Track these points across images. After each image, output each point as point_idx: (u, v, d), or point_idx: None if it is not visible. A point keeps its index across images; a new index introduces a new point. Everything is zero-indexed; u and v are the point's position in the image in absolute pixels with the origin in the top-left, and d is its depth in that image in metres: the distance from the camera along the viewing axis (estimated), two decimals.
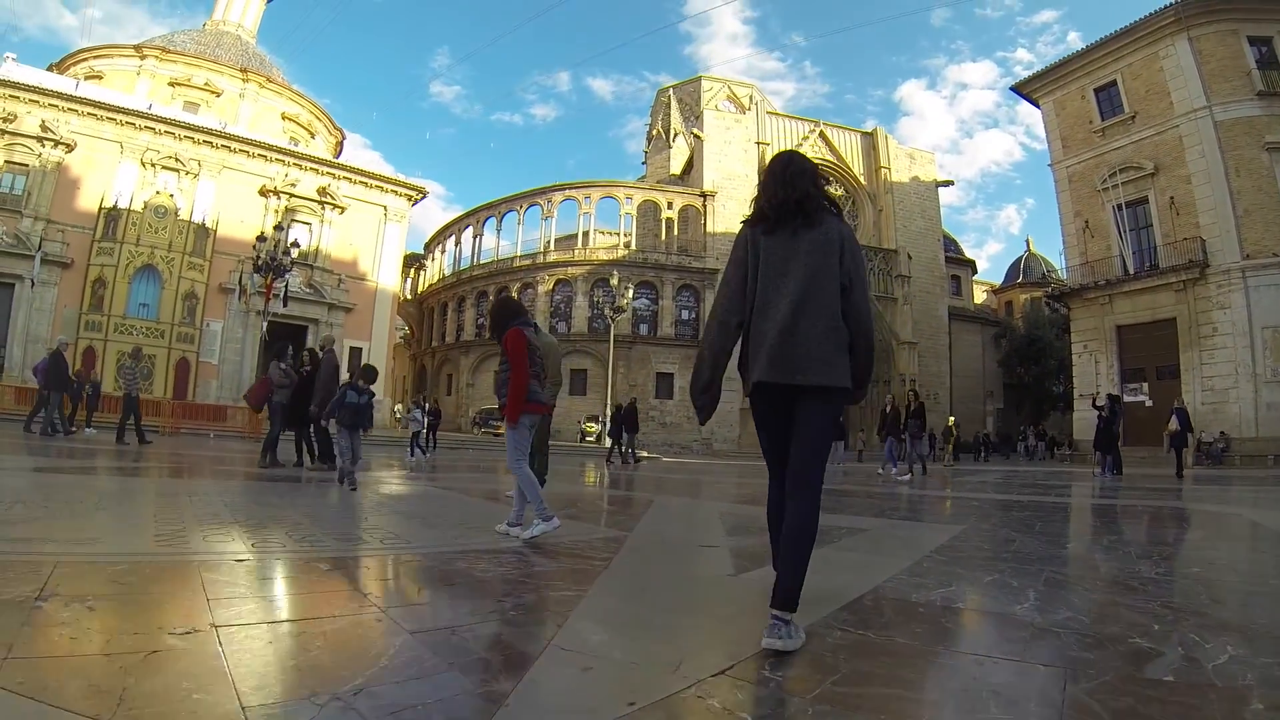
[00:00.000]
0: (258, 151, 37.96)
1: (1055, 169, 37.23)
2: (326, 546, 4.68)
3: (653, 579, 4.27)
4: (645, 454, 21.96)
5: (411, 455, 18.82)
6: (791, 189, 3.19)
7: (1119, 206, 33.15)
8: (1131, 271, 32.89)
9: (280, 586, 3.66)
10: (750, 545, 5.34)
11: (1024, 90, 39.43)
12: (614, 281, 34.13)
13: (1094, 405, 20.03)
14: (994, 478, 18.10)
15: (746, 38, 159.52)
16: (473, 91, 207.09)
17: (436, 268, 57.45)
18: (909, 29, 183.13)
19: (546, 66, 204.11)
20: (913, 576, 4.20)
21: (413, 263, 59.30)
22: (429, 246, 59.53)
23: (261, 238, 29.91)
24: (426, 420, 21.79)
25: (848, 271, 3.11)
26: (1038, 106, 39.23)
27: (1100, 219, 34.66)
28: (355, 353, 38.96)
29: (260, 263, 30.04)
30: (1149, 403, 31.71)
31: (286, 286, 32.24)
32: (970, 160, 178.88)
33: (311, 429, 12.27)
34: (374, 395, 8.86)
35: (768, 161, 3.64)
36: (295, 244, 31.97)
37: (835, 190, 51.19)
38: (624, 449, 23.23)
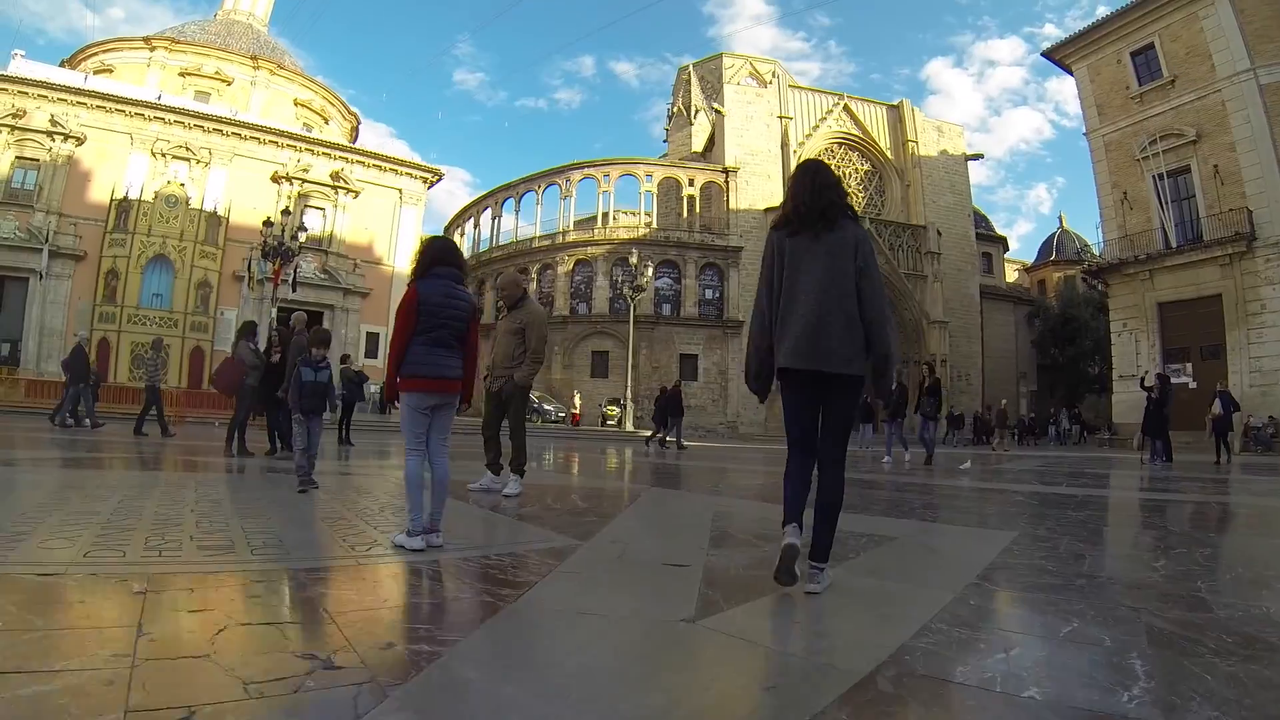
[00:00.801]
0: (269, 138, 37.89)
1: (1090, 138, 35.84)
2: (170, 557, 3.77)
3: (563, 633, 2.87)
4: (670, 438, 20.93)
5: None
6: (818, 196, 3.68)
7: (1159, 176, 31.76)
8: (1174, 245, 31.38)
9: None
10: (734, 567, 4.18)
11: (1056, 56, 37.91)
12: (633, 260, 33.08)
13: (1142, 386, 18.62)
14: (1034, 464, 16.93)
15: (770, 17, 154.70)
16: (496, 78, 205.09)
17: None
18: (934, 5, 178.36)
19: (569, 51, 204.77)
20: (954, 626, 2.98)
21: None
22: (449, 230, 58.48)
23: (269, 222, 29.57)
24: None
25: (860, 270, 3.57)
26: (1070, 73, 37.91)
27: (1139, 190, 33.16)
28: (371, 338, 39.16)
29: (268, 248, 29.73)
30: (1193, 384, 30.23)
31: (296, 271, 32.05)
32: (999, 139, 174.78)
33: (280, 414, 11.49)
34: (329, 367, 7.59)
35: (794, 168, 4.21)
36: (303, 227, 31.14)
37: (861, 165, 50.35)
38: (666, 435, 22.30)
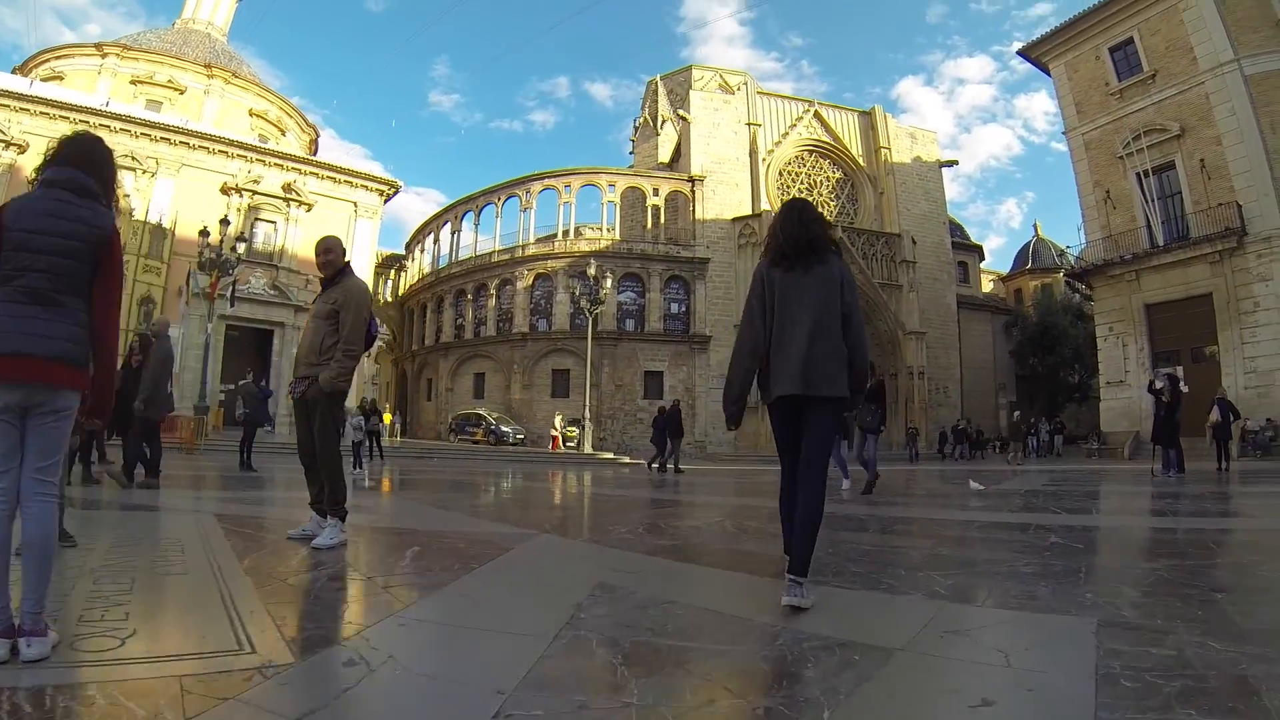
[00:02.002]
0: (218, 148, 35.90)
1: (1069, 137, 34.33)
2: None
3: None
4: (626, 459, 19.15)
5: (356, 468, 15.79)
6: (805, 231, 4.01)
7: (1143, 173, 30.31)
8: (1161, 243, 29.74)
9: None
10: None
11: (1032, 54, 36.48)
12: (592, 271, 30.97)
13: (1151, 389, 16.75)
14: (1042, 480, 14.97)
15: (744, 39, 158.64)
16: (472, 99, 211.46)
17: (417, 268, 54.35)
18: (906, 26, 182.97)
19: (545, 73, 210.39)
20: None
21: (393, 264, 57.03)
22: (410, 246, 56.53)
23: (204, 232, 28.04)
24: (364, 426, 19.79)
25: (848, 304, 3.94)
26: (1047, 73, 36.41)
27: (1122, 188, 31.70)
28: None
29: (204, 259, 28.17)
30: (1184, 388, 28.49)
31: (235, 285, 30.45)
32: (970, 155, 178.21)
33: (138, 433, 9.62)
34: None
35: (780, 206, 4.45)
36: (243, 238, 29.94)
37: (833, 173, 48.80)
38: (666, 458, 21.18)
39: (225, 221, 29.18)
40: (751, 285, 4.10)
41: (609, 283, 31.09)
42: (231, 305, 31.02)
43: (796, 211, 4.10)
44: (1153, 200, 29.96)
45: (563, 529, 7.54)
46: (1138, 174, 30.55)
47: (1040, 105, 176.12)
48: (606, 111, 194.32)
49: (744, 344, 4.02)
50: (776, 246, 4.04)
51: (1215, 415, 17.91)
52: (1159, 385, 15.82)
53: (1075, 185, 34.09)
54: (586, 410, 30.86)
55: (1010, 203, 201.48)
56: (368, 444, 20.80)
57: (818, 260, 3.93)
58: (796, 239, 3.96)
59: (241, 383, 16.94)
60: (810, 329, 3.80)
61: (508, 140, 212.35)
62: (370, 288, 49.08)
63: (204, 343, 30.35)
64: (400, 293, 55.82)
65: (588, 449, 30.33)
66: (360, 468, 16.09)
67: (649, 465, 21.61)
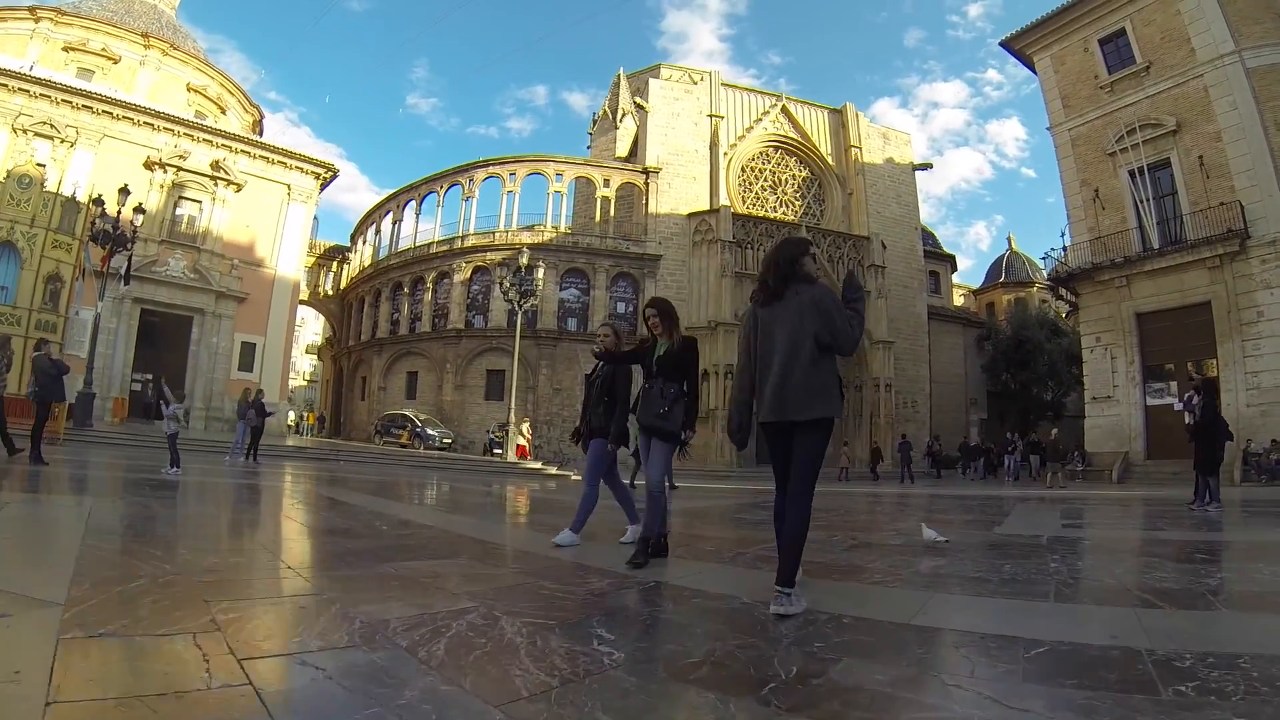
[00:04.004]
0: (144, 119, 33.51)
1: (1055, 132, 31.74)
2: None
3: None
4: (556, 470, 16.54)
5: (173, 468, 12.46)
6: (778, 269, 4.33)
7: (1136, 171, 27.80)
8: (1155, 246, 27.16)
9: None
10: None
11: (1015, 46, 33.88)
12: (523, 260, 27.59)
13: (1185, 405, 13.45)
14: (1045, 522, 12.09)
15: (722, 54, 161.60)
16: (450, 104, 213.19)
17: (358, 260, 51.01)
18: (883, 48, 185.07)
19: (524, 81, 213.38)
20: None
21: (335, 255, 53.69)
22: (354, 237, 53.33)
23: (98, 200, 25.65)
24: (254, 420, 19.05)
25: (819, 319, 4.10)
26: (1030, 68, 33.81)
27: (1112, 187, 29.18)
28: (248, 348, 35.42)
29: (97, 231, 25.49)
30: (1178, 406, 25.99)
31: (130, 262, 27.75)
32: (941, 178, 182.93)
33: None
34: None
35: (769, 249, 4.61)
36: (140, 209, 26.43)
37: (799, 171, 46.25)
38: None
39: (125, 190, 25.90)
40: (741, 325, 4.65)
41: (540, 272, 27.70)
42: (125, 284, 28.30)
43: (775, 250, 4.51)
44: (1146, 200, 27.53)
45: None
46: (1130, 171, 28.11)
47: (1012, 131, 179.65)
48: (583, 121, 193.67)
49: (737, 378, 4.60)
50: (759, 286, 4.49)
51: None
52: (1193, 404, 12.62)
53: (1060, 184, 31.50)
54: (512, 414, 27.45)
55: (979, 225, 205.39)
56: (248, 440, 18.94)
57: (777, 295, 4.30)
58: (773, 278, 4.35)
59: (35, 354, 13.65)
60: (782, 360, 4.16)
61: (484, 145, 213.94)
62: (303, 280, 46.41)
63: (92, 325, 27.12)
64: (342, 285, 52.35)
65: (512, 457, 26.97)
66: (176, 467, 12.71)
67: (631, 483, 18.62)
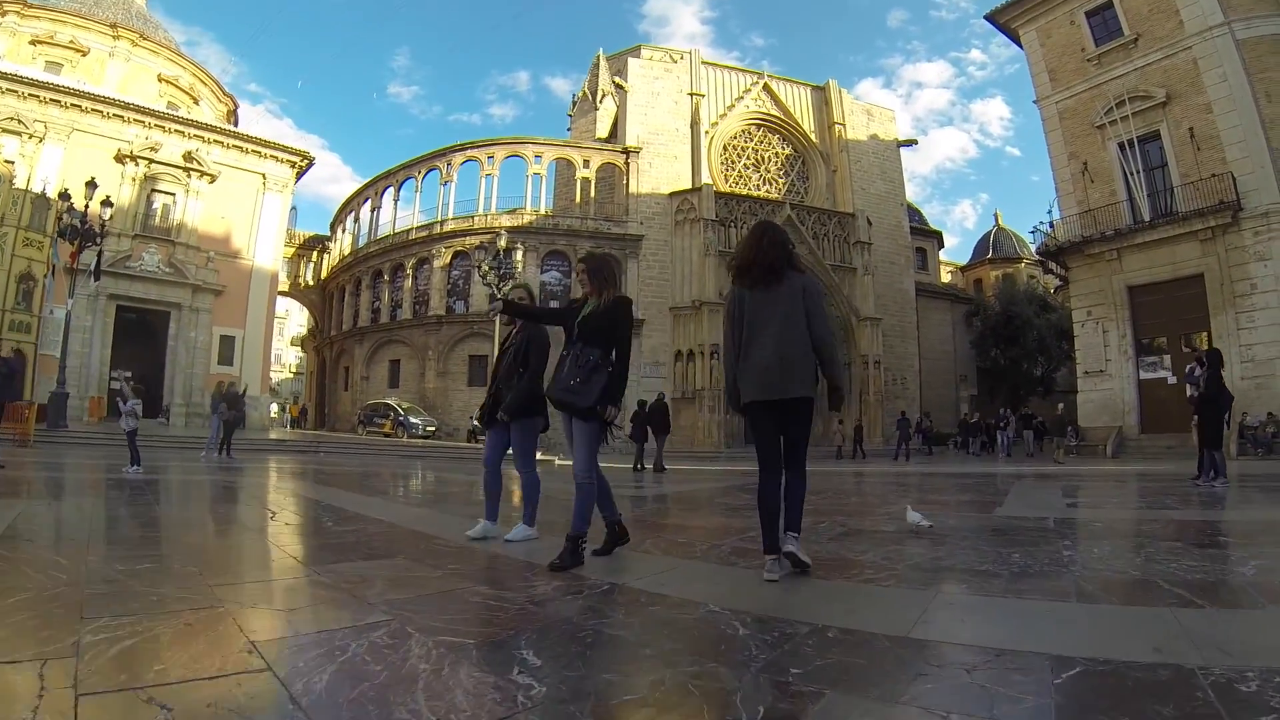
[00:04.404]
0: (113, 111, 32.75)
1: (1042, 105, 31.21)
2: None
3: None
4: (540, 455, 15.82)
5: (133, 466, 12.11)
6: (766, 255, 4.49)
7: (1125, 144, 27.34)
8: (1145, 219, 26.74)
9: None
10: None
11: (1000, 20, 33.19)
12: (501, 243, 26.92)
13: (1188, 377, 12.77)
14: (1045, 502, 11.59)
15: (705, 37, 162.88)
16: (432, 92, 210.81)
17: (338, 249, 50.13)
18: (866, 29, 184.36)
19: (505, 67, 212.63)
20: None
21: (315, 245, 52.77)
22: (334, 226, 52.31)
23: (64, 195, 25.22)
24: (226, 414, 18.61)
25: (807, 310, 4.40)
26: (1016, 42, 33.18)
27: (1101, 160, 28.72)
28: (227, 342, 34.79)
29: (64, 226, 25.02)
30: (1172, 379, 25.80)
31: (100, 257, 26.84)
32: (926, 157, 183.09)
33: None
34: None
35: (749, 230, 4.81)
36: (108, 202, 25.65)
37: (782, 149, 45.58)
38: (643, 456, 20.11)
39: (92, 184, 25.38)
40: (726, 306, 4.73)
41: (519, 254, 26.95)
42: (96, 280, 27.58)
43: (758, 235, 4.62)
44: (1136, 172, 27.05)
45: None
46: (1119, 144, 27.67)
47: (997, 111, 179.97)
48: (566, 105, 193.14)
49: (725, 357, 4.70)
50: (740, 268, 4.61)
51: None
52: (1196, 374, 11.98)
53: (1048, 157, 30.97)
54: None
55: (965, 203, 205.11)
56: (221, 435, 18.54)
57: (777, 280, 4.44)
58: (755, 261, 4.50)
59: None
60: (774, 342, 4.33)
61: (467, 132, 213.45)
62: (283, 271, 45.75)
63: (63, 323, 26.44)
64: (323, 275, 51.56)
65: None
66: (137, 465, 12.14)
67: (634, 469, 19.71)
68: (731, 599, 3.68)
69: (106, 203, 25.37)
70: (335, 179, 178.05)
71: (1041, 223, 31.38)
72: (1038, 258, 34.27)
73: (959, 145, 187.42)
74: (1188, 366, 12.73)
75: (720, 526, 7.52)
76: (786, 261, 4.47)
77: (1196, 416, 11.68)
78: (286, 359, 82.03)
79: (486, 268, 26.85)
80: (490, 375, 6.17)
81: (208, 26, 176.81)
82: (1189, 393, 12.22)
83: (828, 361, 4.42)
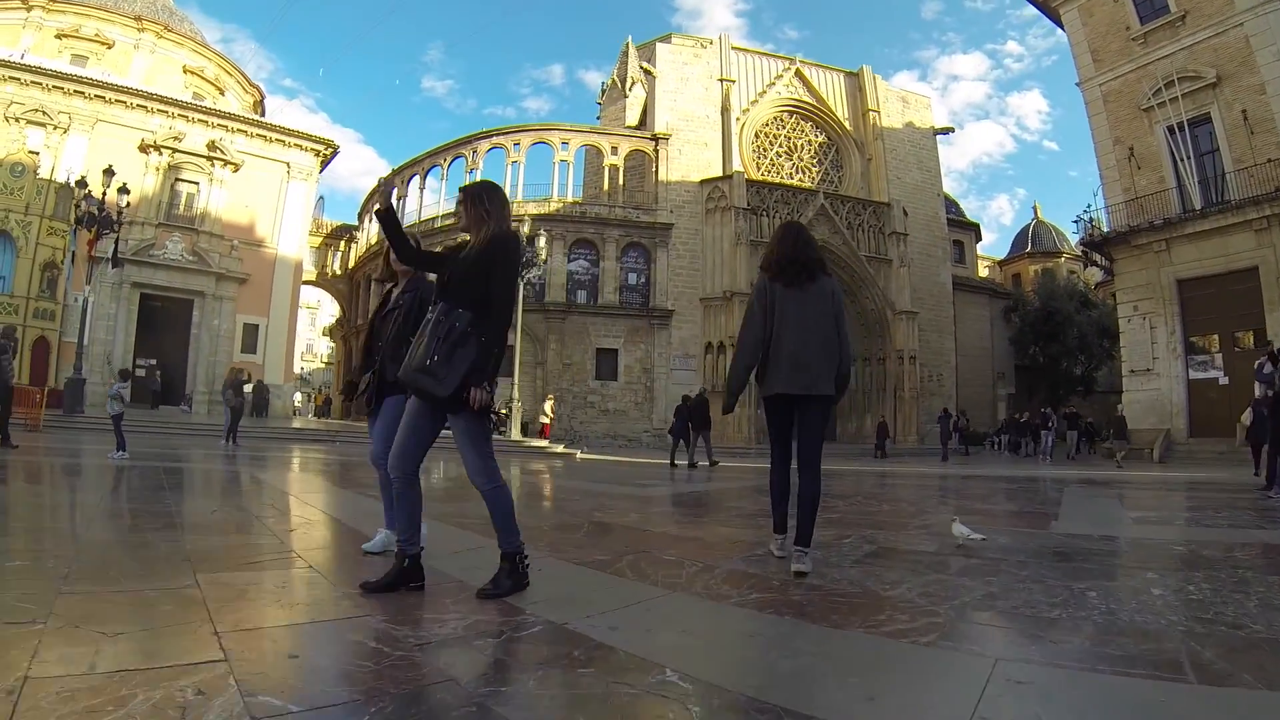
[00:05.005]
0: (137, 102, 33.22)
1: (1085, 88, 29.77)
2: None
3: None
4: (563, 449, 15.91)
5: (118, 451, 11.96)
6: (801, 254, 4.71)
7: (1174, 128, 25.90)
8: (1196, 207, 25.31)
9: None
10: None
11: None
12: (525, 230, 26.17)
13: (1258, 375, 11.50)
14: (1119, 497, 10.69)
15: (739, 29, 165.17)
16: (466, 86, 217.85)
17: (365, 238, 49.67)
18: (900, 21, 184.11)
19: (540, 61, 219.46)
20: None
21: (343, 234, 52.72)
22: (361, 215, 51.85)
23: (82, 183, 25.28)
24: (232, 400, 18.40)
25: (836, 314, 4.64)
26: (1057, 23, 31.86)
27: (1149, 145, 27.26)
28: (250, 330, 35.18)
29: (81, 214, 24.93)
30: (1224, 380, 24.57)
31: (117, 244, 26.84)
32: (961, 152, 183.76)
33: None
34: None
35: (778, 228, 5.03)
36: (125, 189, 25.68)
37: (815, 136, 44.47)
38: (692, 455, 19.38)
39: (109, 172, 25.40)
40: (753, 294, 4.82)
41: (541, 241, 26.07)
42: (114, 266, 27.63)
43: (792, 234, 4.85)
44: (1186, 158, 25.64)
45: None
46: (1167, 128, 26.25)
47: (1032, 103, 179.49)
48: (599, 97, 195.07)
49: (745, 345, 4.74)
50: (777, 263, 4.73)
51: (1247, 417, 13.57)
52: (1269, 371, 10.75)
53: (1091, 143, 29.57)
54: (515, 389, 26.16)
55: (1002, 198, 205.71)
56: (229, 422, 18.22)
57: (810, 278, 4.64)
58: (794, 259, 4.67)
59: None
60: (803, 338, 4.50)
61: (500, 124, 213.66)
62: (310, 260, 45.59)
63: (80, 310, 26.55)
64: (349, 265, 51.23)
65: (515, 434, 25.71)
66: (123, 450, 11.59)
67: (670, 465, 18.98)
68: (703, 661, 2.74)
69: (124, 190, 25.62)
70: (371, 172, 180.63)
71: (1085, 211, 29.98)
72: (1081, 250, 32.83)
73: (995, 139, 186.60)
74: (1257, 363, 11.49)
75: (723, 540, 6.32)
76: (819, 262, 4.74)
77: (1272, 420, 10.44)
78: (318, 349, 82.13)
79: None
80: (362, 348, 4.92)
81: (244, 24, 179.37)
82: (1259, 392, 11.06)
83: (846, 360, 4.65)
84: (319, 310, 76.76)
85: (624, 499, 9.77)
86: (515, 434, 25.77)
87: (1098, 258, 30.13)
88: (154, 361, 32.84)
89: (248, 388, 31.60)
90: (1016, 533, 6.86)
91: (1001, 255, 65.93)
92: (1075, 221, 31.10)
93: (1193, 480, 15.33)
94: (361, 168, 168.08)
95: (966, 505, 9.74)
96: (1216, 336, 25.65)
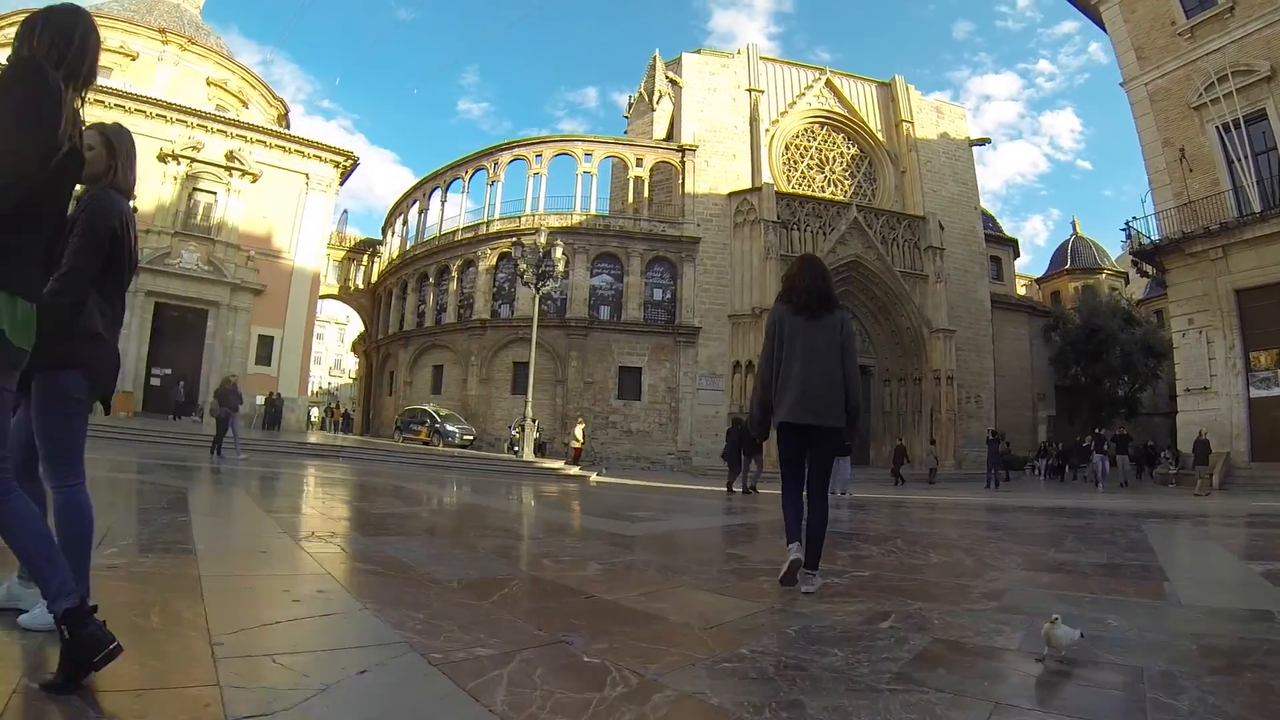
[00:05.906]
0: (156, 111, 33.46)
1: (1129, 88, 28.15)
2: None
3: None
4: (577, 471, 14.70)
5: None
6: (817, 285, 4.85)
7: (1227, 126, 24.30)
8: (1255, 210, 23.58)
9: None
10: None
11: None
12: (541, 240, 24.96)
13: None
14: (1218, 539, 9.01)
15: (772, 52, 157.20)
16: (501, 109, 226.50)
17: (388, 252, 49.61)
18: (932, 42, 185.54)
19: (574, 84, 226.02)
20: None
21: (365, 249, 52.65)
22: (385, 230, 51.94)
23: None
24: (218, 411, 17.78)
25: (842, 345, 4.76)
26: (1097, 22, 30.35)
27: (1200, 145, 25.62)
28: (265, 341, 35.16)
29: None
30: None
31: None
32: (995, 172, 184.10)
33: None
34: None
35: (796, 260, 5.18)
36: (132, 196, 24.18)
37: (848, 149, 43.50)
38: (749, 479, 18.79)
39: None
40: (767, 326, 4.97)
41: (558, 252, 24.79)
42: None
43: (809, 267, 5.00)
44: (1242, 158, 23.95)
45: None
46: (1219, 126, 24.68)
47: (1065, 123, 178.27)
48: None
49: (760, 375, 4.96)
50: (796, 295, 4.85)
51: None
52: None
53: (1139, 145, 27.97)
54: (529, 407, 24.93)
55: (1036, 219, 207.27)
56: (217, 432, 17.62)
57: (827, 310, 4.79)
58: (809, 293, 4.81)
59: None
60: (812, 369, 4.62)
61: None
62: (332, 274, 45.24)
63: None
64: (372, 279, 51.10)
65: (529, 455, 24.40)
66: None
67: (728, 489, 18.69)
68: None
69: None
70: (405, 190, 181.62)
71: (1133, 218, 28.34)
72: (1131, 259, 30.60)
73: (1029, 159, 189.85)
74: None
75: (694, 618, 3.97)
76: (833, 296, 4.92)
77: None
78: (347, 364, 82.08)
79: (524, 265, 24.98)
80: None
81: (283, 48, 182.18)
82: None
83: (854, 394, 4.74)
84: (348, 325, 76.78)
85: (600, 538, 7.86)
86: (528, 454, 24.47)
87: (1148, 268, 28.40)
88: (169, 371, 32.90)
89: (259, 400, 31.57)
90: (1127, 607, 4.62)
91: (1038, 275, 64.17)
92: (1122, 229, 29.32)
93: (1269, 511, 13.49)
94: (399, 188, 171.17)
95: (1035, 554, 7.64)
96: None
